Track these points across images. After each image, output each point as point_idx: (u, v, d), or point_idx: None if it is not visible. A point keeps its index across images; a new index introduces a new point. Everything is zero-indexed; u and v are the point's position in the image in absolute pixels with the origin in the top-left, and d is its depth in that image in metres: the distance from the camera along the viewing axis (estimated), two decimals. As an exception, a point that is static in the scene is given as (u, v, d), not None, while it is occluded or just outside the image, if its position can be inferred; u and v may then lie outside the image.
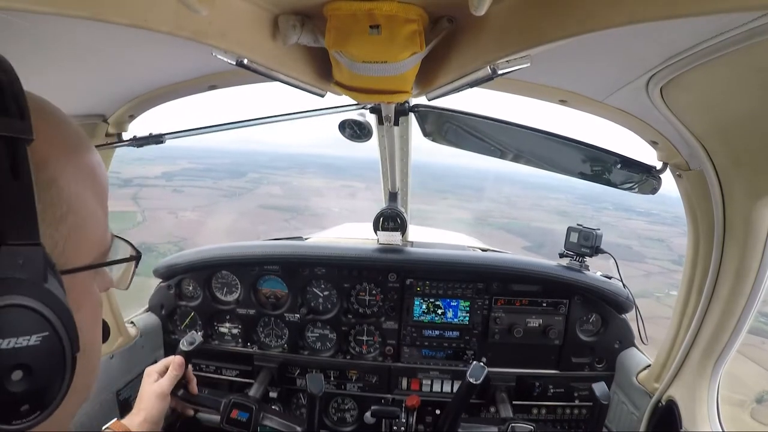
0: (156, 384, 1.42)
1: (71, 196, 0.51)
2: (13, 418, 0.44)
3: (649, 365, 1.76)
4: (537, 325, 1.98)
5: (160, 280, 2.17)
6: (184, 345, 1.53)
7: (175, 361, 1.50)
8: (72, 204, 0.51)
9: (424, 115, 1.76)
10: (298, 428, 1.67)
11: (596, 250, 1.99)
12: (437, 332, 2.05)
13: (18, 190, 0.43)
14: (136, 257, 0.67)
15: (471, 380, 1.55)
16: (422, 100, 1.34)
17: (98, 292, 0.61)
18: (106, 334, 0.66)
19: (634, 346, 1.98)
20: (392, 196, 2.21)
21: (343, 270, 2.03)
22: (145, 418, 1.33)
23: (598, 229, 2.00)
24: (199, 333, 1.55)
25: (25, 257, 0.44)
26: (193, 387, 1.61)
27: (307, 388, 1.53)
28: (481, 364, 1.58)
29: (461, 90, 1.13)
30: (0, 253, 0.42)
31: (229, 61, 0.98)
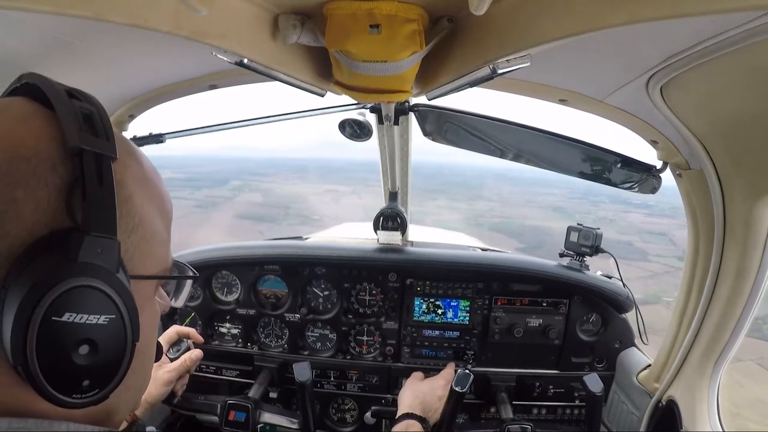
0: (164, 371, 1.45)
1: (143, 213, 0.59)
2: (74, 392, 0.49)
3: (650, 365, 1.76)
4: (537, 324, 1.98)
5: None
6: (170, 353, 1.53)
7: (192, 355, 1.54)
8: (143, 219, 0.59)
9: (424, 114, 1.76)
10: (295, 420, 1.69)
11: (596, 250, 1.98)
12: (437, 332, 2.05)
13: (102, 194, 0.51)
14: (194, 276, 0.76)
15: (457, 389, 1.55)
16: (422, 99, 1.34)
17: (157, 305, 0.68)
18: (158, 353, 0.72)
19: (635, 345, 1.98)
20: (392, 196, 2.21)
21: (343, 270, 2.03)
22: (145, 399, 1.36)
23: (599, 229, 2.00)
24: (186, 341, 1.57)
25: (104, 248, 0.50)
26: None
27: (294, 377, 1.55)
28: (466, 371, 1.58)
29: (461, 89, 1.13)
30: (84, 240, 0.49)
31: (229, 60, 0.98)
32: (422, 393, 1.61)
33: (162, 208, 0.65)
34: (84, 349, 0.49)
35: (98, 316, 0.49)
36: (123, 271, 0.53)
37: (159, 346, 0.72)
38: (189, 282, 0.79)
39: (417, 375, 1.75)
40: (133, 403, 0.67)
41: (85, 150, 0.50)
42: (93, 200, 0.50)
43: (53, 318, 0.46)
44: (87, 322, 0.49)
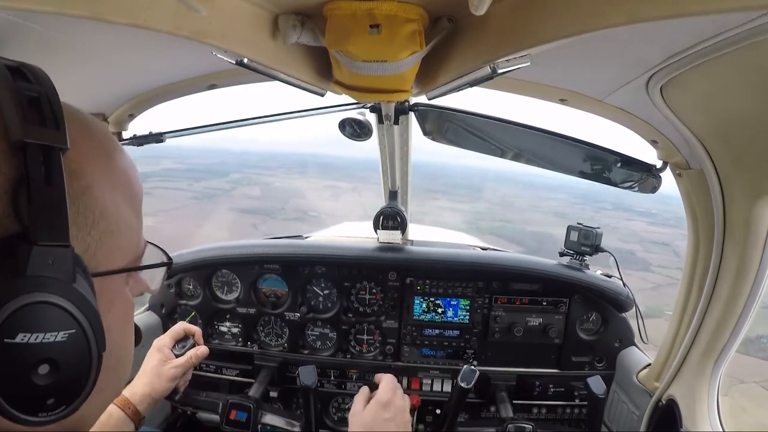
0: (170, 366, 1.43)
1: (105, 204, 0.54)
2: (39, 411, 0.46)
3: (650, 364, 1.76)
4: (537, 324, 1.98)
5: None
6: (176, 349, 1.52)
7: (198, 351, 1.52)
8: (105, 211, 0.54)
9: (424, 114, 1.76)
10: (297, 423, 1.69)
11: (596, 249, 1.99)
12: (437, 331, 2.05)
13: (50, 195, 0.46)
14: (167, 263, 0.70)
15: (462, 384, 1.55)
16: (422, 99, 1.34)
17: (130, 296, 0.63)
18: (138, 338, 0.69)
19: (634, 345, 1.98)
20: (392, 195, 2.22)
21: (344, 269, 2.04)
22: (149, 394, 1.34)
23: (598, 228, 2.00)
24: (190, 338, 1.56)
25: (55, 257, 0.46)
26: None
27: (300, 380, 1.54)
28: (472, 367, 1.58)
29: (461, 89, 1.13)
30: (32, 252, 0.44)
31: (229, 60, 0.98)
32: (367, 422, 1.24)
33: (129, 193, 0.60)
34: (44, 369, 0.45)
35: (55, 333, 0.46)
36: (83, 274, 0.50)
37: (137, 330, 0.68)
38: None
39: (358, 399, 1.31)
40: (111, 398, 0.64)
41: (29, 144, 0.45)
42: (40, 203, 0.45)
43: (5, 340, 0.43)
44: (44, 341, 0.45)
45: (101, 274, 0.54)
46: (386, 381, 1.34)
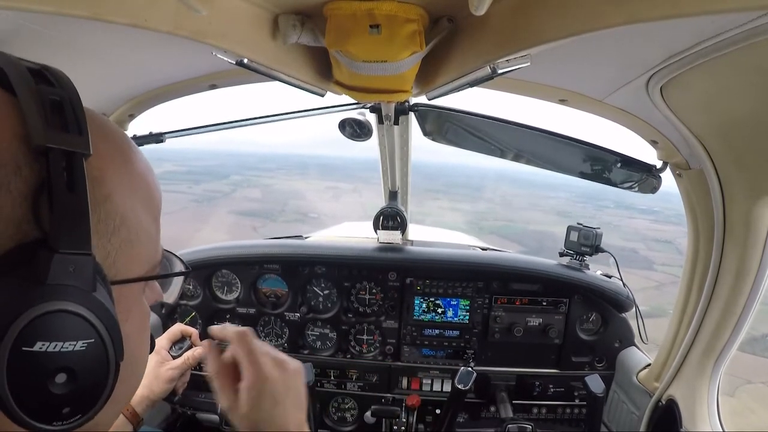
0: (167, 368, 1.42)
1: (125, 211, 0.53)
2: (54, 419, 0.45)
3: (649, 364, 1.76)
4: (537, 324, 1.98)
5: None
6: (173, 350, 1.52)
7: (195, 352, 1.49)
8: (125, 218, 0.53)
9: (424, 114, 1.76)
10: None
11: (596, 249, 1.99)
12: (437, 331, 2.05)
13: (73, 202, 0.45)
14: (185, 272, 0.70)
15: (459, 386, 1.55)
16: (422, 99, 1.34)
17: (146, 304, 0.62)
18: (152, 345, 0.68)
19: (634, 345, 1.98)
20: (392, 195, 2.21)
21: (344, 269, 2.04)
22: (147, 396, 1.34)
23: (599, 228, 2.00)
24: (187, 340, 1.56)
25: (77, 266, 0.45)
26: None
27: None
28: (469, 369, 1.58)
29: (461, 89, 1.13)
30: (53, 260, 0.43)
31: (229, 60, 0.98)
32: (254, 419, 0.81)
33: (148, 199, 0.59)
34: (61, 378, 0.44)
35: (74, 342, 0.45)
36: (102, 282, 0.49)
37: (151, 338, 0.66)
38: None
39: (223, 389, 0.86)
40: (123, 407, 0.62)
41: (51, 149, 0.44)
42: (62, 211, 0.44)
43: (24, 348, 0.42)
44: (62, 350, 0.44)
45: (120, 283, 0.53)
46: (242, 349, 0.87)
